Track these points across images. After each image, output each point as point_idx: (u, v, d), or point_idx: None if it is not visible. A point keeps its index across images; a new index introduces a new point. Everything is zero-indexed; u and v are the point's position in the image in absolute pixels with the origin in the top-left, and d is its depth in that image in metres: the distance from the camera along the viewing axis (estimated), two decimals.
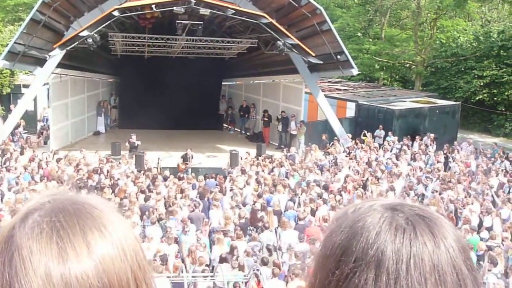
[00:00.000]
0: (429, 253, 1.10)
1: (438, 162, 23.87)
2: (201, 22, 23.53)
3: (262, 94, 31.94)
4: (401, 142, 26.65)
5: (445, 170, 22.87)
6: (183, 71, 30.29)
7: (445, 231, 1.15)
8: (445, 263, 1.10)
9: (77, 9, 25.25)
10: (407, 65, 47.43)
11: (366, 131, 27.70)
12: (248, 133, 31.71)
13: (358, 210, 1.22)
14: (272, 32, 23.58)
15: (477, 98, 39.71)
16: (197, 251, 14.43)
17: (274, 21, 23.49)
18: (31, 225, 1.07)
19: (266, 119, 29.62)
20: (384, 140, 27.62)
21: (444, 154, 24.82)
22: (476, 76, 40.20)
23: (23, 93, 28.26)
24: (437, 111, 31.96)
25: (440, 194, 18.97)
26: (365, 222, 1.16)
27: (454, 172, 22.12)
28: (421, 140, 27.04)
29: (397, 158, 24.10)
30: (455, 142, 27.75)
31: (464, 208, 17.71)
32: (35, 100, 28.83)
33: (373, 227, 1.14)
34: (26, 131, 27.89)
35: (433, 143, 26.79)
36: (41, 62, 24.27)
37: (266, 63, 29.56)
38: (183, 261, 14.60)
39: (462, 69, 41.89)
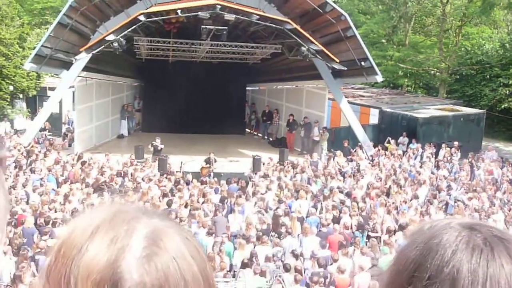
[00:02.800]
0: (505, 276, 1.07)
1: (462, 170, 23.65)
2: (226, 27, 23.60)
3: (285, 100, 31.93)
4: (426, 150, 26.46)
5: (470, 179, 22.66)
6: (206, 75, 30.44)
7: None
8: None
9: (104, 13, 25.48)
10: (432, 72, 47.11)
11: (390, 138, 27.56)
12: (270, 138, 31.70)
13: (434, 227, 1.20)
14: (296, 37, 23.57)
15: (503, 106, 39.33)
16: (217, 257, 14.43)
17: (298, 27, 23.49)
18: (136, 259, 1.05)
19: (291, 123, 29.46)
20: (407, 147, 27.45)
21: (469, 162, 24.59)
22: (501, 84, 39.82)
23: (49, 96, 28.56)
24: (461, 119, 31.70)
25: (464, 203, 18.80)
26: (441, 239, 1.14)
27: (479, 181, 21.91)
28: (447, 148, 26.76)
29: (421, 166, 23.94)
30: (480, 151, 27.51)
31: (488, 218, 17.53)
32: (60, 102, 29.13)
33: (450, 245, 1.12)
34: (51, 133, 28.18)
35: (458, 151, 26.55)
36: (67, 65, 24.52)
37: (290, 68, 29.54)
38: None
39: (488, 76, 41.52)
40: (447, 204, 19.45)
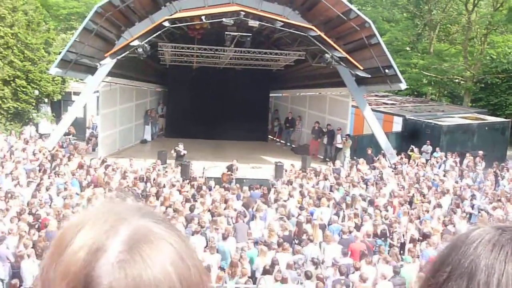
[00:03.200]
0: None
1: (487, 180, 23.38)
2: (250, 34, 23.67)
3: (308, 107, 31.88)
4: (449, 158, 26.22)
5: (495, 189, 22.39)
6: (230, 82, 30.56)
7: None
8: None
9: (128, 19, 25.68)
10: (456, 80, 46.68)
11: (413, 147, 27.36)
12: (293, 145, 31.66)
13: (470, 230, 1.23)
14: (320, 44, 23.54)
15: None
16: (239, 263, 14.41)
17: (322, 34, 23.46)
18: (119, 254, 1.06)
19: (316, 130, 29.34)
20: (431, 156, 27.23)
21: (493, 172, 24.31)
22: None
23: (74, 100, 28.82)
24: (486, 128, 31.37)
25: (488, 213, 18.58)
26: (467, 237, 1.17)
27: (504, 191, 21.64)
28: (471, 157, 26.46)
29: (444, 175, 23.73)
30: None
31: None
32: (84, 107, 29.38)
33: (473, 241, 1.15)
34: (76, 138, 28.42)
35: (482, 160, 26.26)
36: (92, 70, 24.74)
37: (313, 75, 29.50)
38: (224, 270, 14.61)
39: None
40: (470, 213, 19.24)
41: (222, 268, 14.82)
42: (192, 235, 15.82)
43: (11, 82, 30.48)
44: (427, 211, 18.56)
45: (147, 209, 1.18)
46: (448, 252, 1.18)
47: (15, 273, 13.53)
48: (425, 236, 16.09)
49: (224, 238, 15.72)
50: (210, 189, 20.86)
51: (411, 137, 29.84)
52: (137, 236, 1.07)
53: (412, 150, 27.09)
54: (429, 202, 19.65)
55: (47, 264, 1.10)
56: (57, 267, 1.06)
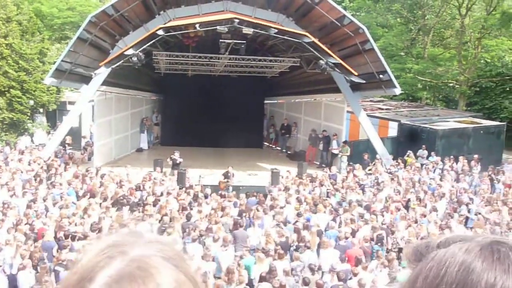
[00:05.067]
0: None
1: (483, 183, 23.42)
2: (244, 41, 23.71)
3: (304, 113, 31.93)
4: (445, 163, 26.26)
5: (490, 192, 22.42)
6: (225, 89, 30.57)
7: None
8: None
9: (123, 28, 25.72)
10: (451, 84, 46.82)
11: (410, 152, 27.39)
12: (289, 152, 31.67)
13: (450, 245, 1.21)
14: (314, 51, 23.58)
15: None
16: (236, 270, 14.38)
17: (316, 40, 23.52)
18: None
19: (313, 137, 29.36)
20: (427, 160, 27.26)
21: (489, 175, 24.35)
22: None
23: (69, 110, 28.80)
24: (481, 132, 31.43)
25: (484, 217, 18.61)
26: (475, 263, 1.13)
27: (500, 194, 21.68)
28: (465, 160, 26.51)
29: (440, 179, 23.76)
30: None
31: (510, 231, 17.31)
32: (80, 117, 29.36)
33: (490, 268, 1.12)
34: (71, 147, 28.38)
35: (478, 164, 26.31)
36: (86, 79, 24.75)
37: (308, 82, 29.56)
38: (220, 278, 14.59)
39: (508, 89, 41.21)
40: (467, 217, 19.24)
41: (217, 277, 14.81)
42: (189, 242, 15.81)
43: (6, 92, 30.47)
44: (424, 215, 18.57)
45: (158, 241, 1.18)
46: (463, 278, 1.12)
47: (12, 284, 13.47)
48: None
49: (222, 246, 15.69)
50: (206, 197, 20.83)
51: (407, 142, 29.89)
52: (124, 272, 1.08)
53: (408, 156, 27.13)
54: (425, 206, 19.66)
55: None
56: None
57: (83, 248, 1.17)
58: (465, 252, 1.15)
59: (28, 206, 17.91)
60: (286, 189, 21.95)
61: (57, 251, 15.01)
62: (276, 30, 23.20)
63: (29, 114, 31.59)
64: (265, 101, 34.75)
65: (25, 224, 16.49)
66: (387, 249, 16.53)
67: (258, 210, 18.53)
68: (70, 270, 1.12)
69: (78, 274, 1.09)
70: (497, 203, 20.02)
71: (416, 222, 17.96)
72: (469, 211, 19.56)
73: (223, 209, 18.92)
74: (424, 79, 44.86)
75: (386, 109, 37.34)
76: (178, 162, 25.10)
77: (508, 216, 18.79)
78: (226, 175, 23.96)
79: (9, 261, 14.28)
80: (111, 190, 20.55)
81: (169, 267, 1.12)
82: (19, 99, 30.58)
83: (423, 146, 28.35)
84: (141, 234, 1.21)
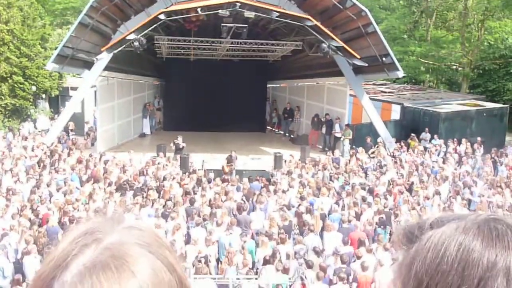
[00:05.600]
0: None
1: (486, 166, 23.40)
2: (246, 25, 23.62)
3: (306, 97, 31.87)
4: (448, 146, 26.25)
5: (493, 175, 22.41)
6: (227, 73, 30.51)
7: None
8: None
9: (124, 13, 25.62)
10: (454, 67, 46.61)
11: (414, 135, 27.35)
12: (292, 136, 31.67)
13: (443, 225, 1.20)
14: (316, 34, 23.50)
15: None
16: (239, 254, 14.46)
17: (318, 24, 23.42)
18: (73, 277, 1.06)
19: (316, 122, 29.35)
20: (429, 143, 27.24)
21: (491, 158, 24.33)
22: None
23: (71, 96, 28.80)
24: (484, 114, 31.35)
25: (488, 198, 18.63)
26: (477, 242, 1.12)
27: (503, 177, 21.66)
28: (468, 143, 26.47)
29: (443, 162, 23.76)
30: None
31: None
32: (82, 102, 29.36)
33: (486, 246, 1.11)
34: (74, 133, 28.40)
35: (480, 146, 26.27)
36: (89, 65, 24.71)
37: (311, 65, 29.46)
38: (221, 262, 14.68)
39: (511, 71, 41.00)
40: (470, 200, 19.26)
41: (219, 260, 14.92)
42: (193, 227, 15.89)
43: (8, 78, 30.45)
44: (427, 198, 18.59)
45: (135, 227, 1.16)
46: (464, 257, 1.11)
47: (18, 269, 13.56)
48: None
49: (226, 230, 15.74)
50: (209, 182, 20.87)
51: (410, 125, 29.85)
52: (98, 260, 1.06)
53: (412, 139, 27.11)
54: (427, 189, 19.67)
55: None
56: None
57: (61, 236, 1.18)
58: (462, 231, 1.14)
59: (32, 192, 17.98)
60: (289, 173, 21.98)
61: (62, 236, 15.07)
62: (278, 14, 23.10)
63: (31, 100, 31.59)
64: (268, 85, 34.68)
65: (30, 209, 16.56)
66: (390, 232, 16.57)
67: (261, 195, 18.57)
68: (46, 258, 1.12)
69: (53, 262, 1.08)
70: (500, 185, 20.02)
71: (419, 205, 17.99)
72: (472, 194, 19.58)
73: (226, 193, 18.96)
74: (427, 62, 44.71)
75: (389, 92, 37.25)
76: (181, 147, 25.11)
77: (510, 198, 18.80)
78: (229, 159, 23.98)
79: (14, 247, 14.36)
80: (114, 175, 20.60)
81: (145, 254, 1.09)
82: (21, 85, 30.57)
83: (426, 129, 28.31)
84: (118, 220, 1.18)
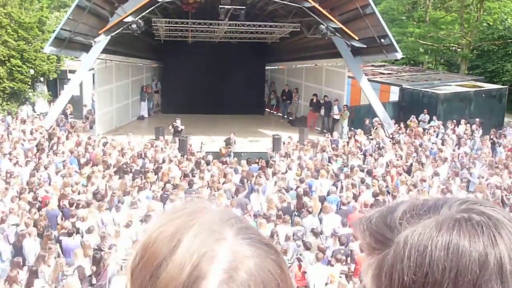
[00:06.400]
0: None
1: (485, 147, 23.43)
2: (244, 7, 23.54)
3: (305, 79, 31.82)
4: (446, 127, 26.27)
5: (492, 156, 22.45)
6: (225, 55, 30.44)
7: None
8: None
9: None
10: (453, 48, 46.53)
11: (414, 116, 27.33)
12: (290, 118, 31.67)
13: (420, 219, 1.11)
14: (314, 16, 23.42)
15: None
16: None
17: (316, 5, 23.34)
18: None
19: (314, 103, 29.28)
20: (428, 124, 27.26)
21: (490, 139, 24.35)
22: None
23: (69, 79, 28.74)
24: (483, 95, 31.32)
25: (486, 180, 18.68)
26: (464, 242, 1.05)
27: (502, 158, 21.70)
28: (467, 124, 26.47)
29: (442, 143, 23.79)
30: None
31: (511, 194, 17.40)
32: (80, 85, 29.31)
33: (477, 248, 1.05)
34: (72, 116, 28.39)
35: (479, 128, 26.29)
36: (86, 48, 24.64)
37: (309, 47, 29.39)
38: None
39: (510, 52, 40.99)
40: (468, 181, 19.30)
41: None
42: None
43: (6, 62, 30.34)
44: (424, 181, 18.63)
45: (238, 221, 1.13)
46: (458, 263, 1.04)
47: (17, 251, 13.63)
48: None
49: None
50: (208, 164, 20.89)
51: (408, 106, 29.85)
52: (235, 264, 1.04)
53: (411, 120, 27.11)
54: (425, 171, 19.72)
55: (138, 273, 1.08)
56: (155, 280, 1.05)
57: (156, 235, 1.09)
58: (443, 230, 1.06)
59: (32, 175, 18.01)
60: (288, 155, 22.01)
61: (61, 219, 15.16)
62: None
63: (29, 83, 31.51)
64: (266, 67, 34.61)
65: (29, 192, 16.60)
66: None
67: (260, 177, 18.61)
68: (168, 264, 1.04)
69: (184, 274, 1.02)
70: (498, 166, 20.06)
71: (415, 186, 18.03)
72: (470, 175, 19.63)
73: (225, 175, 19.01)
74: (425, 43, 44.59)
75: (388, 73, 37.19)
76: (179, 129, 25.12)
77: (508, 179, 18.86)
78: (228, 142, 24.00)
79: (13, 229, 14.42)
80: (113, 158, 20.64)
81: (263, 250, 1.10)
82: (19, 69, 30.48)
83: (425, 110, 28.30)
84: (209, 206, 1.16)
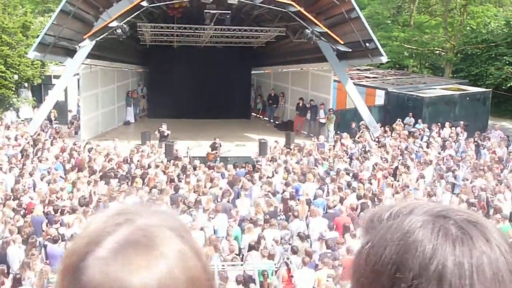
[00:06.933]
0: (489, 262, 1.04)
1: (469, 149, 23.55)
2: (229, 11, 23.53)
3: (291, 83, 31.87)
4: (431, 130, 26.40)
5: (476, 158, 22.58)
6: (211, 60, 30.42)
7: (495, 234, 1.09)
8: (503, 269, 1.05)
9: (106, 0, 25.39)
10: (437, 52, 46.83)
11: (400, 120, 27.44)
12: (276, 122, 31.69)
13: (398, 218, 1.14)
14: (300, 20, 23.47)
15: (509, 85, 39.08)
16: (225, 241, 14.50)
17: (302, 9, 23.39)
18: (106, 252, 1.07)
19: (300, 107, 29.30)
20: (413, 127, 27.39)
21: (474, 142, 24.50)
22: (507, 62, 39.57)
23: (54, 84, 28.56)
24: (467, 98, 31.53)
25: (471, 182, 18.78)
26: (416, 235, 1.07)
27: (486, 160, 21.83)
28: (452, 127, 26.63)
29: (427, 146, 23.90)
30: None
31: (495, 196, 17.50)
32: (65, 90, 29.15)
33: (428, 240, 1.06)
34: (57, 122, 28.22)
35: (464, 130, 26.45)
36: (71, 53, 24.50)
37: (295, 51, 29.44)
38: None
39: (493, 55, 41.25)
40: (454, 184, 19.40)
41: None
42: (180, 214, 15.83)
43: None
44: (406, 187, 18.64)
45: (164, 212, 1.19)
46: (403, 256, 1.06)
47: (1, 259, 13.48)
48: None
49: (212, 217, 15.75)
50: (194, 169, 20.83)
51: (394, 110, 29.98)
52: (130, 239, 1.08)
53: (397, 124, 27.20)
54: (411, 173, 19.79)
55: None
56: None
57: (92, 216, 1.19)
58: (409, 228, 1.09)
59: (17, 182, 17.86)
60: (274, 159, 22.00)
61: (46, 226, 15.03)
62: (261, 0, 23.03)
63: (14, 89, 31.28)
64: (252, 72, 34.62)
65: (14, 199, 16.45)
66: None
67: (246, 181, 18.58)
68: (79, 235, 1.15)
69: (86, 239, 1.11)
70: (482, 169, 20.17)
71: (403, 189, 18.09)
72: (455, 178, 19.72)
73: (211, 180, 18.96)
74: (410, 47, 44.84)
75: (373, 77, 37.34)
76: (165, 134, 25.05)
77: (493, 181, 18.97)
78: (213, 147, 23.96)
79: None
80: (98, 163, 20.52)
81: (174, 237, 1.12)
82: (3, 74, 30.25)
83: (410, 113, 28.46)
84: (147, 204, 1.22)
